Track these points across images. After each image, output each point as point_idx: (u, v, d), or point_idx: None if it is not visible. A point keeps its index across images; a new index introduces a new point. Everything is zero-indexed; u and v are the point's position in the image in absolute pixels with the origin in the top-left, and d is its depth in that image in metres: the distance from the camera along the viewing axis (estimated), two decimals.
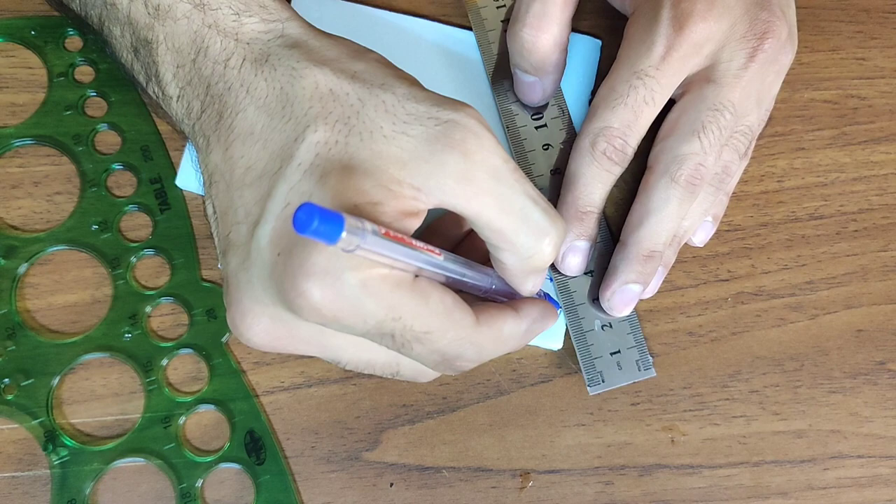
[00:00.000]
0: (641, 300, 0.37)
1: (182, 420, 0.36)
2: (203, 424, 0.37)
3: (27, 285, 0.37)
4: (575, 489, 0.37)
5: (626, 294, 0.36)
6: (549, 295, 0.36)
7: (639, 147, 0.36)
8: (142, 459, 0.36)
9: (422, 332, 0.28)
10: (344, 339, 0.30)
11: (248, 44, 0.31)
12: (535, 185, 0.30)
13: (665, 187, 0.35)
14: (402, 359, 0.31)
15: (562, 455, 0.37)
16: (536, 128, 0.39)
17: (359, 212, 0.27)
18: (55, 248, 0.38)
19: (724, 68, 0.35)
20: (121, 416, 0.37)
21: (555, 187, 0.38)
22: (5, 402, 0.36)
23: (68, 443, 0.36)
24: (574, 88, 0.39)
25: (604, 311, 0.37)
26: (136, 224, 0.38)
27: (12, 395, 0.36)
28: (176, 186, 0.38)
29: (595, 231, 0.36)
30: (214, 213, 0.31)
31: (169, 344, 0.37)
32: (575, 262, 0.36)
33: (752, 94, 0.35)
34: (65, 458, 0.36)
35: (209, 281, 0.38)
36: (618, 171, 0.36)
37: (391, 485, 0.37)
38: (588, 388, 0.36)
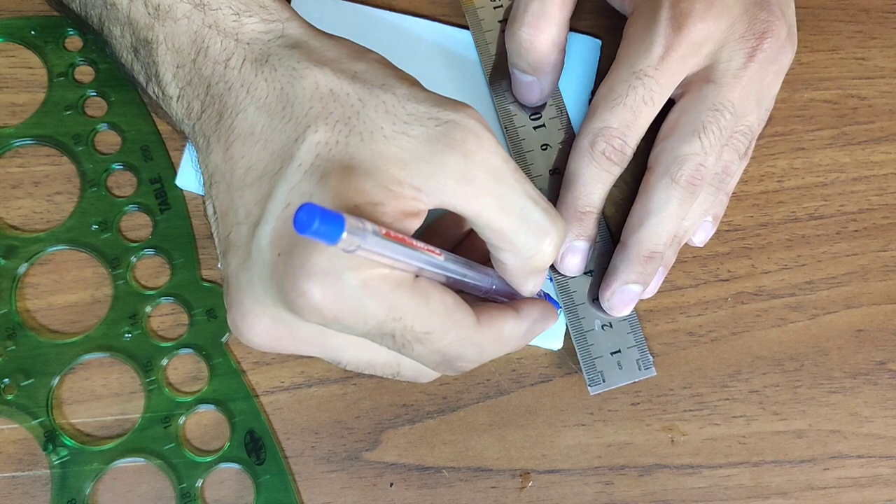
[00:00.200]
0: (641, 300, 0.37)
1: (182, 420, 0.36)
2: (203, 424, 0.37)
3: (27, 285, 0.37)
4: (575, 489, 0.37)
5: (626, 294, 0.36)
6: (549, 295, 0.36)
7: (639, 147, 0.36)
8: (142, 459, 0.36)
9: (422, 332, 0.28)
10: (344, 340, 0.30)
11: (248, 44, 0.31)
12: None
13: (665, 188, 0.35)
14: (403, 359, 0.31)
15: (562, 455, 0.37)
16: (535, 128, 0.39)
17: (359, 212, 0.27)
18: (55, 248, 0.38)
19: (723, 68, 0.35)
20: (121, 416, 0.37)
21: (553, 187, 0.38)
22: (5, 402, 0.36)
23: (68, 443, 0.36)
24: (573, 88, 0.39)
25: (604, 311, 0.37)
26: (136, 224, 0.38)
27: (12, 395, 0.36)
28: (176, 186, 0.38)
29: (594, 231, 0.36)
30: (215, 213, 0.31)
31: (169, 344, 0.37)
32: (574, 262, 0.36)
33: (751, 93, 0.35)
34: (65, 458, 0.36)
35: (209, 281, 0.38)
36: (617, 171, 0.36)
37: (391, 485, 0.37)
38: (589, 387, 0.36)
